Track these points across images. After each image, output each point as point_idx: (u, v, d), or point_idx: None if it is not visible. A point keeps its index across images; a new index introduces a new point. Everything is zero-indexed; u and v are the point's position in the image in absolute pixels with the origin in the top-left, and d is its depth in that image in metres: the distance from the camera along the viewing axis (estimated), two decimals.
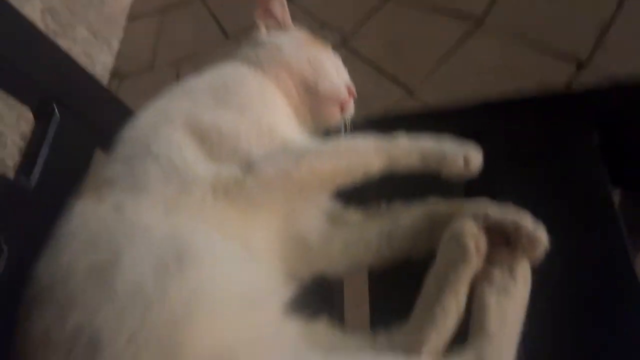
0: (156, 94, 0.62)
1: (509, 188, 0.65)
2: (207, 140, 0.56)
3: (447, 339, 0.51)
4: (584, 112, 0.68)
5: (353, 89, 0.69)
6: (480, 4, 1.64)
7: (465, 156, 0.57)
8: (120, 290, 0.45)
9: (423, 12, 1.72)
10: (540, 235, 0.50)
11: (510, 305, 0.51)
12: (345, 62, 0.76)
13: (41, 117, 0.66)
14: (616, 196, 0.64)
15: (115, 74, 2.05)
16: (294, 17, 0.72)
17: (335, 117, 0.67)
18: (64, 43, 1.82)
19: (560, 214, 0.59)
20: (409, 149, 0.57)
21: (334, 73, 0.68)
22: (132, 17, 2.23)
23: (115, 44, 2.12)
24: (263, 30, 0.70)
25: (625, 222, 0.60)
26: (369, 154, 0.57)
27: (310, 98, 0.65)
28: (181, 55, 1.99)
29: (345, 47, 1.72)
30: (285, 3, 0.72)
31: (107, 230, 0.50)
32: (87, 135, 0.71)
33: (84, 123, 0.70)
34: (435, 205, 0.60)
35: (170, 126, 0.57)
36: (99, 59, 2.01)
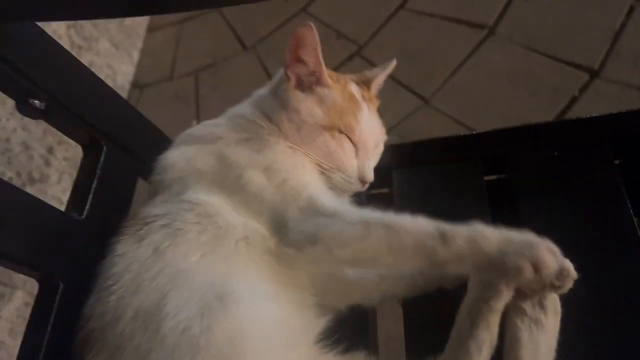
0: (176, 104, 0.64)
1: (535, 212, 0.67)
2: (235, 197, 0.59)
3: None
4: (605, 137, 0.69)
5: (369, 177, 0.66)
6: (492, 14, 1.67)
7: (533, 262, 0.49)
8: (168, 335, 0.49)
9: (435, 21, 1.75)
10: (569, 269, 0.50)
11: (542, 336, 0.53)
12: (360, 71, 0.74)
13: (90, 151, 0.71)
14: None
15: (136, 84, 2.11)
16: None
17: (343, 194, 0.65)
18: (87, 56, 1.88)
19: (584, 239, 0.63)
20: (462, 252, 0.50)
21: (351, 165, 0.65)
22: (152, 28, 2.28)
23: (136, 55, 2.18)
24: (292, 83, 0.66)
25: None
26: (409, 255, 0.52)
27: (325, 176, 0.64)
28: (200, 66, 2.04)
29: (359, 55, 1.76)
30: (320, 51, 0.63)
31: (149, 272, 0.54)
32: (130, 166, 0.76)
33: (128, 155, 0.75)
34: None
35: (198, 184, 0.60)
36: (120, 70, 2.07)
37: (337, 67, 1.65)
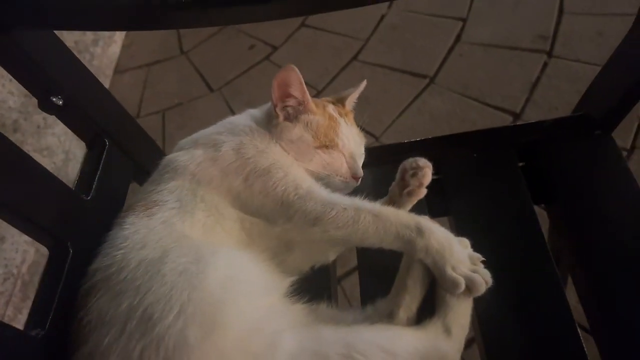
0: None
1: (460, 203, 0.84)
2: (242, 195, 0.70)
3: (418, 302, 0.68)
4: (512, 142, 0.89)
5: (360, 173, 0.78)
6: (433, 66, 1.93)
7: (469, 285, 0.65)
8: (168, 274, 0.58)
9: (384, 71, 1.99)
10: (420, 159, 0.74)
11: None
12: None
13: (94, 147, 0.82)
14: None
15: None
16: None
17: (343, 192, 0.78)
18: None
19: (494, 223, 0.80)
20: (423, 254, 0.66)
21: (344, 168, 0.77)
22: (119, 70, 2.40)
23: None
24: (281, 119, 0.76)
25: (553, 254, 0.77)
26: (390, 240, 0.66)
27: (322, 181, 0.76)
28: (167, 105, 2.17)
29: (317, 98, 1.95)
30: (304, 85, 0.74)
31: (156, 236, 0.64)
32: (127, 163, 0.87)
33: (125, 154, 0.86)
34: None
35: (209, 186, 0.70)
36: None
37: None
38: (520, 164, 0.87)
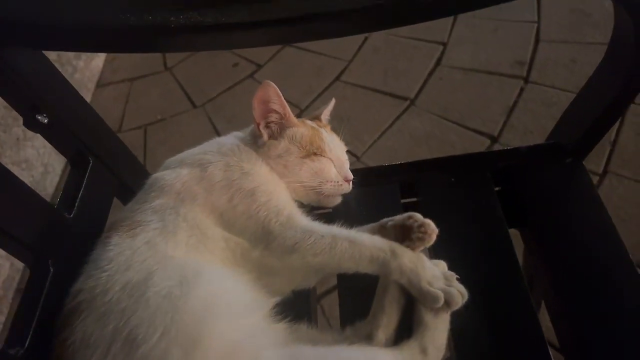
0: None
1: (438, 226, 0.84)
2: (225, 216, 0.71)
3: (396, 323, 0.70)
4: (488, 167, 0.92)
5: (350, 175, 0.80)
6: (413, 88, 1.98)
7: (447, 298, 0.67)
8: (152, 298, 0.59)
9: (366, 92, 2.02)
10: (429, 224, 0.71)
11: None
12: None
13: (77, 164, 0.82)
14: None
15: None
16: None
17: (336, 202, 0.80)
18: None
19: (470, 246, 0.82)
20: (398, 272, 0.68)
21: (334, 173, 0.78)
22: (101, 84, 2.40)
23: None
24: (265, 137, 0.77)
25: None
26: (366, 263, 0.68)
27: (315, 193, 0.78)
28: (149, 120, 2.17)
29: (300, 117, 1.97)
30: (283, 98, 0.75)
31: (140, 257, 0.64)
32: (110, 181, 0.88)
33: (109, 171, 0.87)
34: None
35: (193, 204, 0.71)
36: None
37: None
38: (497, 189, 0.90)
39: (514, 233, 0.85)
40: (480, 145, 1.71)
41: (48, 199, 1.91)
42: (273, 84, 0.75)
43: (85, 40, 0.68)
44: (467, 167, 0.94)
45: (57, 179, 1.98)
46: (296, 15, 0.60)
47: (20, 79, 0.71)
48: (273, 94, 0.75)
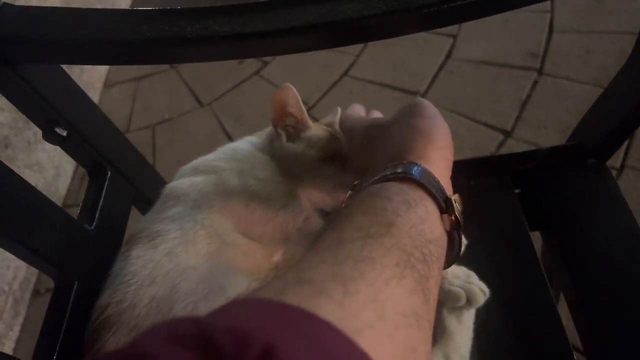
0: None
1: None
2: (242, 222, 0.70)
3: None
4: (508, 170, 0.91)
5: None
6: (423, 82, 1.96)
7: (468, 295, 0.67)
8: (179, 314, 0.59)
9: (374, 87, 2.01)
10: (485, 291, 0.68)
11: (465, 315, 0.69)
12: None
13: (96, 175, 0.82)
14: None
15: None
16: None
17: None
18: None
19: (491, 249, 0.80)
20: None
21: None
22: (108, 84, 2.39)
23: None
24: (284, 139, 0.77)
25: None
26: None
27: (331, 197, 0.76)
28: (156, 120, 2.16)
29: (309, 114, 1.96)
30: (301, 102, 0.75)
31: (163, 269, 0.64)
32: (128, 192, 0.87)
33: (126, 182, 0.86)
34: None
35: (209, 210, 0.70)
36: None
37: None
38: (517, 191, 0.89)
39: (533, 234, 0.84)
40: (492, 140, 1.70)
41: (61, 201, 1.94)
42: (292, 87, 0.73)
43: (104, 54, 0.67)
44: (487, 170, 0.93)
45: (68, 181, 1.98)
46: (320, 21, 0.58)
47: (37, 94, 0.70)
48: (292, 98, 0.74)
